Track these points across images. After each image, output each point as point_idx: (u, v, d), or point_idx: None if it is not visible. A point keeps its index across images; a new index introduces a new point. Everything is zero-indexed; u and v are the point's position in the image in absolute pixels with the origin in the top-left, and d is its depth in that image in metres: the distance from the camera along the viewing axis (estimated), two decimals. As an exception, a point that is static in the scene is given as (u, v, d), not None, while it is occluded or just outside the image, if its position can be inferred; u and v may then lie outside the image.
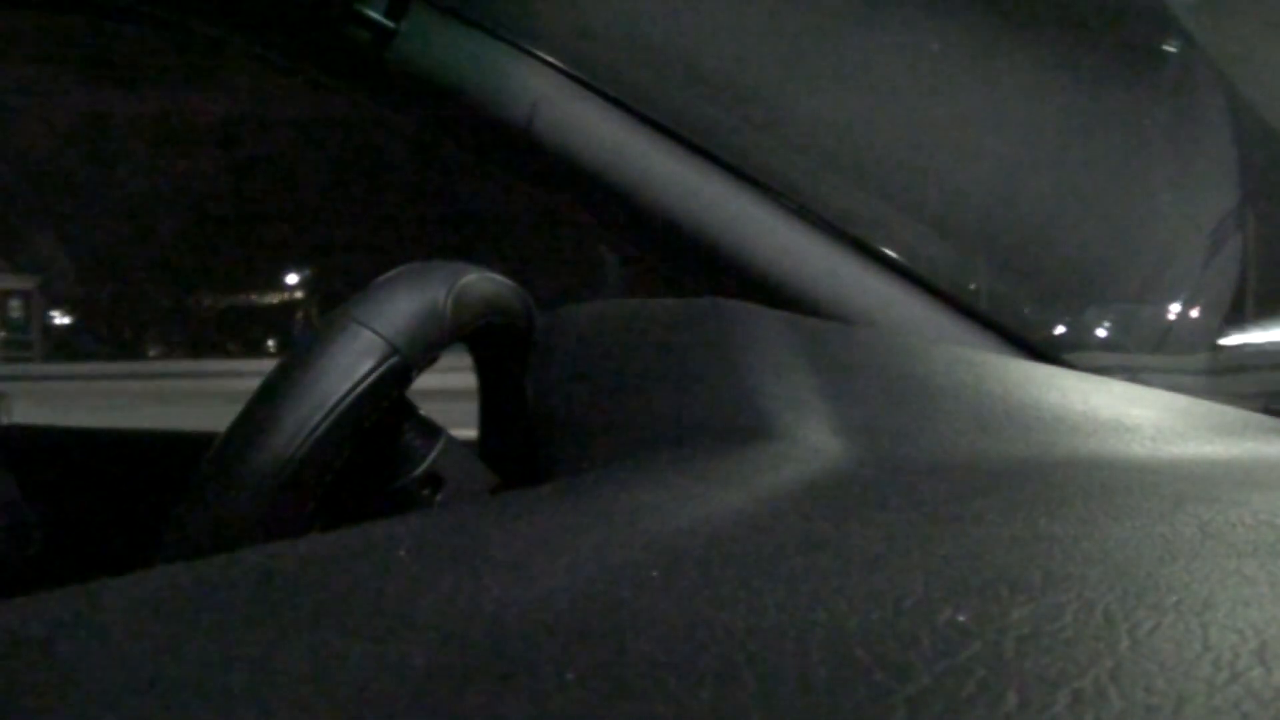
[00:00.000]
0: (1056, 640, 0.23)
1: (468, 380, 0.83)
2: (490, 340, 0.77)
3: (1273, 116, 0.98)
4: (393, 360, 0.63)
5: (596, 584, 0.28)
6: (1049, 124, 0.99)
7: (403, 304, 0.66)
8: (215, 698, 0.19)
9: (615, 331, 0.63)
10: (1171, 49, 0.99)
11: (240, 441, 0.60)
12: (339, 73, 1.00)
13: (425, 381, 0.68)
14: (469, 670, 0.21)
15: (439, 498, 0.71)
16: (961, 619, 0.24)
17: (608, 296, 0.73)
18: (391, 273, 0.69)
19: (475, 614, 0.25)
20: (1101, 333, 1.01)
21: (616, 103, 0.94)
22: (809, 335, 0.62)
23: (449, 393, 1.10)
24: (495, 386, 0.83)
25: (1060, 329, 1.00)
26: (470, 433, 0.85)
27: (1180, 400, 0.62)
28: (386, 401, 0.64)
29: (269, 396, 0.61)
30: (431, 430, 0.73)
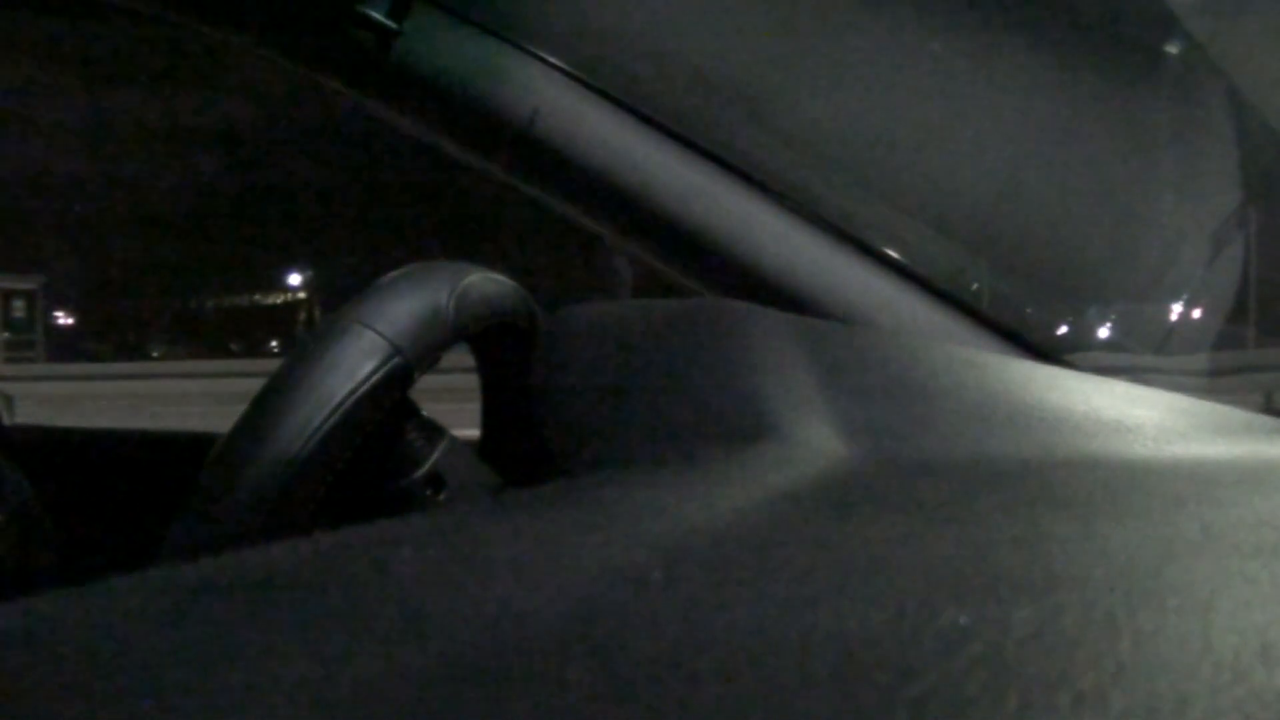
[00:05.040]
0: (1058, 641, 0.23)
1: (470, 380, 0.83)
2: (493, 341, 0.77)
3: (1275, 117, 0.98)
4: (395, 361, 0.63)
5: (598, 584, 0.28)
6: (1051, 124, 0.99)
7: (405, 305, 0.66)
8: (215, 698, 0.19)
9: (617, 332, 0.63)
10: (1173, 50, 0.99)
11: (243, 442, 0.60)
12: (341, 73, 1.00)
13: (428, 381, 0.68)
14: (471, 670, 0.21)
15: (441, 498, 0.71)
16: (963, 620, 0.24)
17: (615, 297, 0.74)
18: (394, 273, 0.69)
19: (477, 614, 0.25)
20: (1103, 333, 1.01)
21: (619, 104, 0.94)
22: (810, 336, 0.62)
23: (452, 392, 1.10)
24: (498, 387, 0.83)
25: (1062, 329, 1.00)
26: (473, 433, 0.85)
27: (1182, 401, 0.62)
28: (389, 402, 0.64)
29: (272, 397, 0.61)
30: (434, 431, 0.73)
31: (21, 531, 0.83)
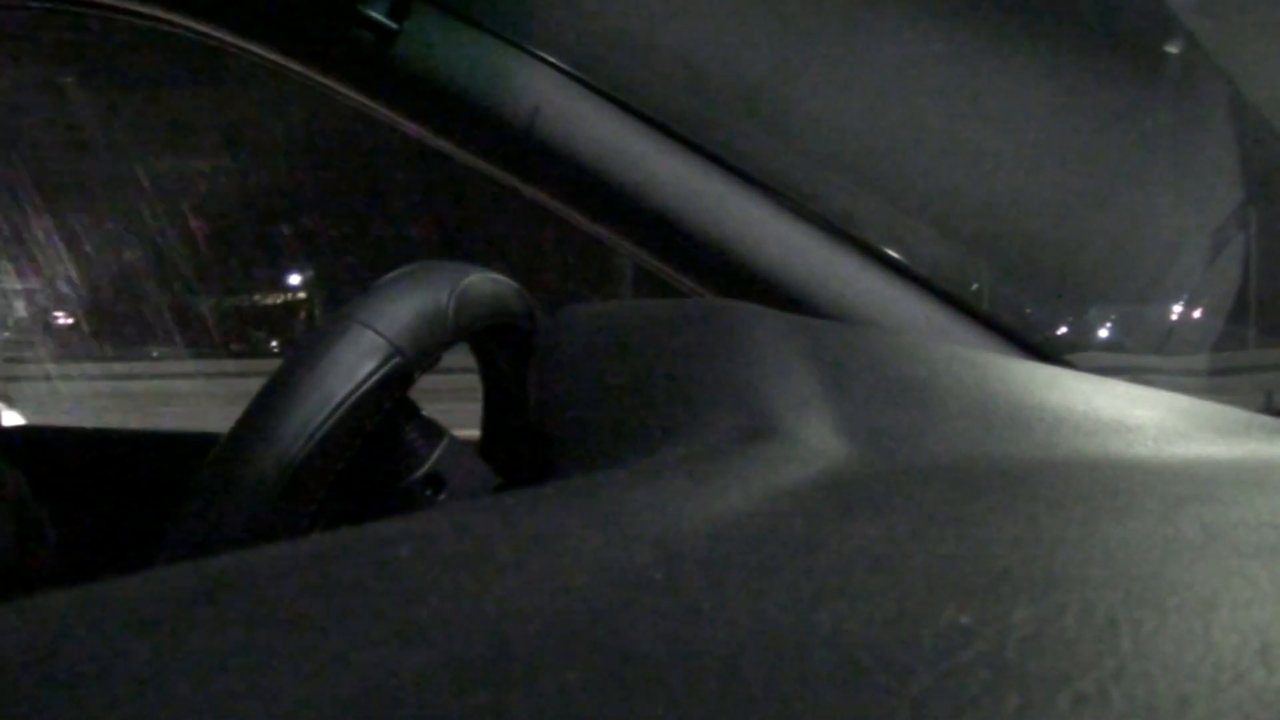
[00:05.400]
0: (1059, 641, 0.23)
1: (471, 380, 0.83)
2: (493, 341, 0.77)
3: (1274, 117, 0.98)
4: (395, 361, 0.63)
5: (598, 584, 0.27)
6: (1051, 125, 0.99)
7: (405, 305, 0.66)
8: (215, 698, 0.19)
9: (617, 332, 0.63)
10: (1173, 50, 0.99)
11: (243, 442, 0.60)
12: (341, 73, 1.00)
13: (428, 381, 0.68)
14: (471, 670, 0.21)
15: (441, 498, 0.71)
16: (963, 619, 0.24)
17: (615, 297, 0.73)
18: (394, 273, 0.69)
19: (477, 614, 0.25)
20: (1104, 333, 1.01)
21: (618, 103, 0.94)
22: (810, 335, 0.62)
23: (452, 392, 1.10)
24: (497, 387, 0.83)
25: (1062, 329, 1.00)
26: (473, 433, 0.85)
27: (1182, 401, 0.62)
28: (389, 402, 0.64)
29: (272, 397, 0.61)
30: (434, 431, 0.73)
31: (19, 531, 0.83)
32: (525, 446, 0.70)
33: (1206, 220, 1.00)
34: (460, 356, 0.76)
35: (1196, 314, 1.03)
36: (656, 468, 0.47)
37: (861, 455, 0.51)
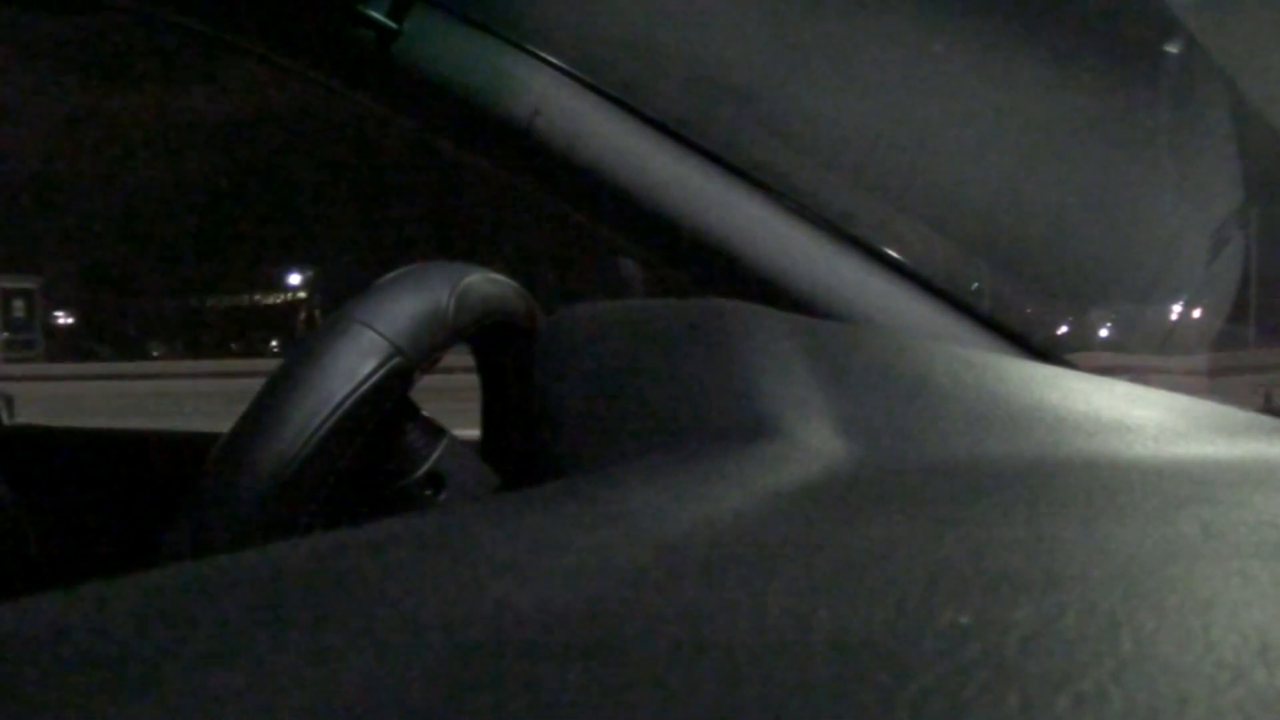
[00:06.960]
0: (1058, 641, 0.23)
1: (471, 380, 0.83)
2: (493, 340, 0.77)
3: (1275, 117, 0.98)
4: (395, 361, 0.63)
5: (597, 584, 0.27)
6: (1052, 125, 0.99)
7: (405, 304, 0.66)
8: (215, 698, 0.19)
9: (617, 332, 0.63)
10: (1173, 50, 0.99)
11: (243, 442, 0.60)
12: (341, 73, 1.00)
13: (428, 381, 0.68)
14: (470, 670, 0.21)
15: (441, 498, 0.71)
16: (963, 619, 0.24)
17: (617, 297, 0.73)
18: (394, 273, 0.69)
19: (476, 614, 0.25)
20: (1104, 333, 1.01)
21: (619, 103, 0.94)
22: (810, 335, 0.62)
23: (452, 392, 1.10)
24: (497, 387, 0.83)
25: (1062, 329, 1.00)
26: (473, 433, 0.85)
27: (1182, 401, 0.62)
28: (389, 402, 0.64)
29: (272, 397, 0.61)
30: (434, 430, 0.73)
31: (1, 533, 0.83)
32: (525, 446, 0.70)
33: (1206, 220, 1.00)
34: (460, 356, 0.76)
35: (1196, 314, 1.03)
36: (656, 468, 0.47)
37: (860, 455, 0.51)
